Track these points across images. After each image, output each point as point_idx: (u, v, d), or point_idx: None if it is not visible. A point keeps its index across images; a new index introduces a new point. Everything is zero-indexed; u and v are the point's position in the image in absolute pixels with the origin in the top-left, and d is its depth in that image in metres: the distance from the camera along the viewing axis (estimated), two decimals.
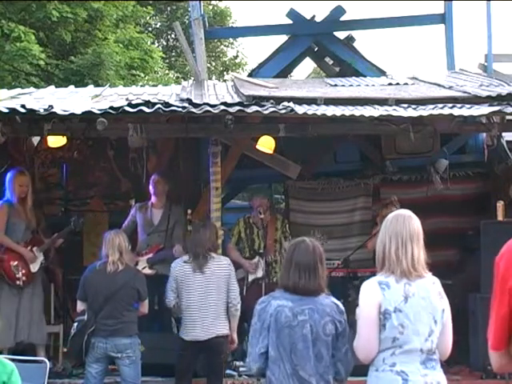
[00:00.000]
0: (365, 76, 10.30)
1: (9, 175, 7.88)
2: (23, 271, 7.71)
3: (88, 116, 6.86)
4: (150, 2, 21.95)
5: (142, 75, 18.71)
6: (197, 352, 6.74)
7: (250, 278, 8.14)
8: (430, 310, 3.99)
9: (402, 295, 3.98)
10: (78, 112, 6.84)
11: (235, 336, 6.94)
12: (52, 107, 6.87)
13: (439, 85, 8.67)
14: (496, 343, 3.03)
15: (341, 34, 11.36)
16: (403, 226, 4.04)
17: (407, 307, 3.97)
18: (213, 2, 24.59)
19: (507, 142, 9.29)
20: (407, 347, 3.96)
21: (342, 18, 11.23)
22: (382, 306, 3.96)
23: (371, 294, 4.00)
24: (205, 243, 6.80)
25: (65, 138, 7.66)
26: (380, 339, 3.97)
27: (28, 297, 7.71)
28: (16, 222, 7.81)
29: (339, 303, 4.34)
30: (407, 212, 4.15)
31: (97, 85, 12.48)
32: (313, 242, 4.40)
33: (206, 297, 6.73)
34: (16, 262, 7.71)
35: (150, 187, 8.38)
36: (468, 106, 7.23)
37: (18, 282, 7.69)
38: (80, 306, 6.75)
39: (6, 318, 7.53)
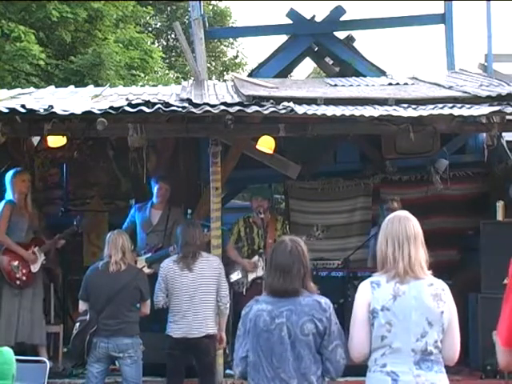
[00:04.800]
0: (365, 76, 10.30)
1: (9, 175, 7.91)
2: (23, 271, 7.73)
3: (88, 116, 6.86)
4: (150, 1, 21.95)
5: (142, 75, 18.71)
6: (185, 351, 6.74)
7: (250, 277, 8.14)
8: (421, 310, 3.98)
9: (390, 294, 3.99)
10: (78, 112, 6.84)
11: (224, 335, 6.97)
12: (52, 107, 6.87)
13: (439, 85, 8.67)
14: (508, 340, 3.01)
15: (341, 34, 11.37)
16: (399, 227, 4.05)
17: (395, 306, 3.97)
18: (213, 2, 24.59)
19: (507, 141, 9.29)
20: (395, 346, 3.96)
21: (342, 18, 11.24)
22: (371, 305, 3.99)
23: (362, 293, 4.05)
24: (194, 242, 6.82)
25: (65, 138, 7.66)
26: (371, 338, 4.00)
27: (29, 297, 7.72)
28: (18, 221, 7.82)
29: (323, 300, 4.25)
30: (404, 213, 4.16)
31: (97, 85, 12.48)
32: (293, 242, 4.32)
33: (194, 295, 6.75)
34: (16, 262, 7.71)
35: (154, 191, 8.38)
36: (468, 106, 7.23)
37: (17, 282, 7.71)
38: (82, 305, 6.75)
39: (6, 317, 7.56)
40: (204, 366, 6.82)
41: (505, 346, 3.04)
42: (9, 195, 7.87)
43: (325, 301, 4.26)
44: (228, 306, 6.92)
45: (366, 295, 4.02)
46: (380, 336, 3.98)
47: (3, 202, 7.87)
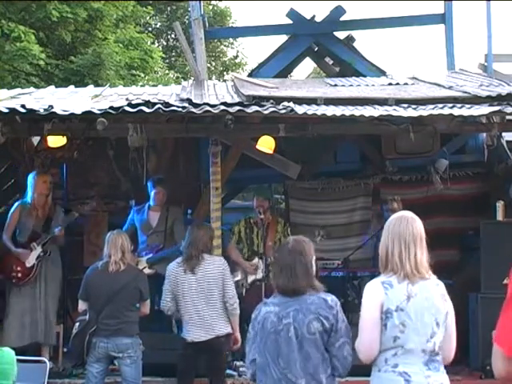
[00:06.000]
0: (365, 76, 10.30)
1: (32, 175, 8.12)
2: (18, 268, 7.82)
3: (88, 116, 6.86)
4: (150, 1, 21.95)
5: (142, 75, 18.70)
6: (198, 352, 6.74)
7: (250, 279, 8.12)
8: (432, 311, 3.99)
9: (404, 294, 3.98)
10: (78, 112, 6.84)
11: (238, 335, 6.90)
12: (52, 107, 6.87)
13: (439, 85, 8.67)
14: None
15: (341, 34, 11.36)
16: (406, 228, 4.04)
17: (409, 306, 3.97)
18: (213, 2, 24.59)
19: (507, 141, 9.29)
20: (408, 347, 3.96)
21: (342, 18, 11.23)
22: (385, 306, 3.97)
23: (374, 294, 4.01)
24: (197, 244, 6.81)
25: (65, 138, 7.67)
26: (381, 339, 3.98)
27: (42, 296, 7.81)
28: (26, 221, 7.99)
29: (330, 298, 4.27)
30: (410, 214, 4.15)
31: (97, 85, 12.48)
32: (295, 242, 4.37)
33: (199, 297, 6.72)
34: (11, 261, 7.83)
35: (152, 195, 8.39)
36: (468, 106, 7.23)
37: (14, 281, 7.80)
38: (82, 305, 6.75)
39: (19, 318, 7.64)
40: (215, 366, 6.81)
41: (509, 354, 2.96)
42: (28, 195, 8.05)
43: (331, 298, 4.28)
44: (236, 305, 6.82)
45: (378, 295, 3.99)
46: (393, 337, 3.97)
47: (16, 203, 8.11)
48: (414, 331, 3.96)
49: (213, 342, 6.69)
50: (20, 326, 7.66)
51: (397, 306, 3.96)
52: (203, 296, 6.73)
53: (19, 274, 7.80)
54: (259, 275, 8.04)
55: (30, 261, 7.86)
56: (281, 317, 4.22)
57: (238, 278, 8.09)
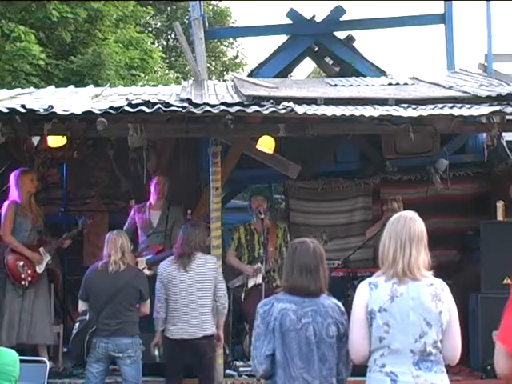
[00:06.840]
0: (365, 76, 10.30)
1: (15, 174, 7.93)
2: (29, 271, 7.72)
3: (88, 116, 6.86)
4: (150, 1, 21.96)
5: (142, 75, 18.72)
6: (183, 351, 6.74)
7: (250, 283, 8.01)
8: (420, 311, 3.98)
9: (388, 294, 4.00)
10: (78, 112, 6.84)
11: (221, 333, 6.94)
12: (52, 107, 6.87)
13: (439, 85, 8.67)
14: None
15: (341, 34, 11.36)
16: (404, 227, 4.05)
17: (393, 307, 3.98)
18: (213, 2, 24.61)
19: (507, 141, 9.28)
20: (394, 347, 3.97)
21: (341, 18, 11.23)
22: (369, 306, 4.01)
23: (360, 294, 4.07)
24: (190, 242, 6.82)
25: (65, 138, 7.66)
26: (371, 339, 4.01)
27: (30, 298, 7.71)
28: (22, 221, 7.83)
29: (340, 304, 4.34)
30: (411, 213, 4.15)
31: (97, 85, 12.49)
32: (313, 243, 4.40)
33: (190, 296, 6.73)
34: (22, 262, 7.70)
35: (152, 188, 8.39)
36: (468, 106, 7.23)
37: (23, 282, 7.69)
38: (82, 305, 6.76)
39: (10, 317, 7.58)
40: (202, 367, 6.81)
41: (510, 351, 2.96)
42: (13, 195, 7.87)
43: (341, 304, 4.34)
44: (226, 305, 6.90)
45: (363, 296, 4.04)
46: (378, 337, 3.99)
47: (7, 202, 7.87)
48: (401, 331, 3.97)
49: (198, 342, 6.68)
50: (10, 326, 7.59)
51: (380, 307, 3.99)
52: (194, 294, 6.74)
53: (29, 278, 7.69)
54: (259, 280, 7.91)
55: (41, 267, 7.79)
56: (299, 316, 4.23)
57: (240, 283, 8.03)
